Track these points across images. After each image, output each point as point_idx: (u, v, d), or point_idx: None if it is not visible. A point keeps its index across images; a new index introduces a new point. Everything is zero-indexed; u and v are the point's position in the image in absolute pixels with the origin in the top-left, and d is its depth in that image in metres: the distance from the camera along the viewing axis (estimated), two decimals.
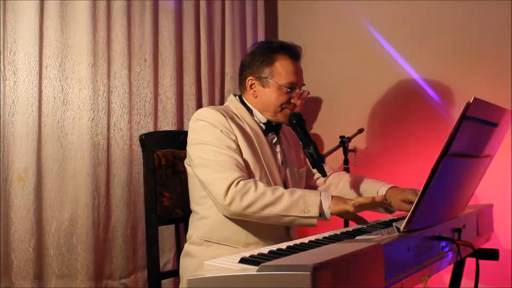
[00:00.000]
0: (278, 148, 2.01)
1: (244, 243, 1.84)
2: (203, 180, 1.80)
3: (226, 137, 1.82)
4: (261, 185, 1.74)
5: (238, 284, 1.00)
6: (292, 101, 1.93)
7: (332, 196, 1.74)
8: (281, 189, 1.75)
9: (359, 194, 2.04)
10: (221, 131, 1.82)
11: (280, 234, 1.88)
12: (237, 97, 2.02)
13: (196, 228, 1.90)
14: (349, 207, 1.69)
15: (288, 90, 1.91)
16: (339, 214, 1.73)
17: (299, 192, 1.75)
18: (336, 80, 2.96)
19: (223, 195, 1.72)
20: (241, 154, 1.83)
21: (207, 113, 1.87)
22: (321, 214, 1.71)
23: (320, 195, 1.73)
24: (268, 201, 1.71)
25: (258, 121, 1.97)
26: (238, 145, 1.84)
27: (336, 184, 2.13)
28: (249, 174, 1.83)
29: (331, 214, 1.72)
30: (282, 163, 2.00)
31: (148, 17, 2.58)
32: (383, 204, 1.73)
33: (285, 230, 1.91)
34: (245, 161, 1.83)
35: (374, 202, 1.67)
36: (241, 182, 1.72)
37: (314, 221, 1.71)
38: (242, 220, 1.81)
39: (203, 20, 2.82)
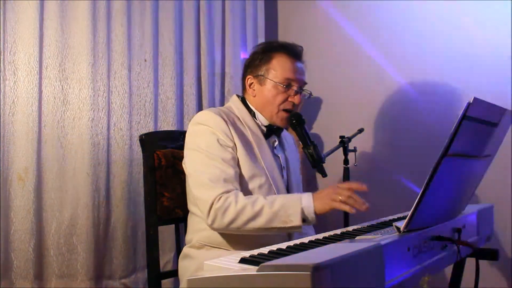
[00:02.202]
0: (279, 152, 2.00)
1: (245, 248, 1.80)
2: (191, 191, 1.80)
3: (222, 147, 1.78)
4: (241, 199, 1.69)
5: (238, 284, 1.00)
6: (289, 99, 1.89)
7: (313, 197, 1.67)
8: (260, 201, 1.69)
9: None
10: (218, 140, 1.79)
11: (282, 239, 1.85)
12: (239, 98, 2.00)
13: (195, 232, 1.88)
14: (338, 204, 1.62)
15: (285, 87, 1.88)
16: (329, 211, 1.67)
17: (279, 201, 1.69)
18: (336, 80, 2.96)
19: (206, 213, 1.71)
20: (237, 163, 1.80)
21: (208, 117, 1.84)
22: (306, 219, 1.67)
23: (302, 201, 1.67)
24: (249, 216, 1.67)
25: (260, 123, 1.95)
26: (235, 154, 1.80)
27: None
28: (244, 184, 1.80)
29: (318, 214, 1.67)
30: (284, 167, 1.98)
31: (148, 17, 2.58)
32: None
33: (286, 235, 1.90)
34: (244, 168, 1.81)
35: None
36: (222, 199, 1.69)
37: (299, 229, 1.68)
38: None
39: (203, 20, 2.82)
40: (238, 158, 1.81)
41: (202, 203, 1.73)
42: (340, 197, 1.63)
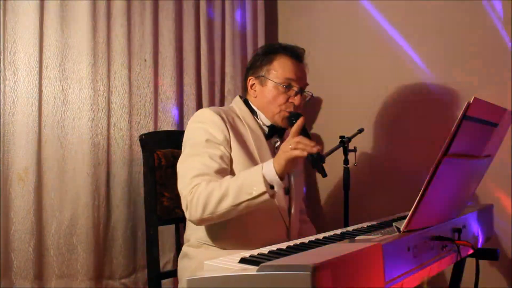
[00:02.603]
0: None
1: (244, 248, 1.78)
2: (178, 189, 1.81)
3: (212, 144, 1.79)
4: (210, 185, 1.69)
5: (238, 284, 1.00)
6: (290, 100, 1.90)
7: (273, 160, 1.66)
8: (226, 180, 1.69)
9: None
10: (210, 138, 1.78)
11: (280, 238, 1.85)
12: (242, 99, 2.01)
13: (194, 230, 1.88)
14: (290, 152, 1.62)
15: (285, 87, 1.89)
16: (290, 166, 1.65)
17: (242, 175, 1.69)
18: (336, 80, 2.96)
19: (185, 210, 1.73)
20: (229, 161, 1.80)
21: (206, 114, 1.86)
22: (272, 186, 1.66)
23: (263, 168, 1.66)
24: (218, 197, 1.66)
25: (261, 123, 1.95)
26: (229, 152, 1.81)
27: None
28: None
29: (282, 175, 1.66)
30: None
31: (148, 17, 2.58)
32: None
33: (285, 234, 1.90)
34: (239, 168, 1.80)
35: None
36: (193, 189, 1.70)
37: (266, 196, 1.64)
38: (241, 224, 1.79)
39: (203, 20, 2.82)
40: (233, 157, 1.82)
41: (182, 200, 1.74)
42: (290, 146, 1.63)
